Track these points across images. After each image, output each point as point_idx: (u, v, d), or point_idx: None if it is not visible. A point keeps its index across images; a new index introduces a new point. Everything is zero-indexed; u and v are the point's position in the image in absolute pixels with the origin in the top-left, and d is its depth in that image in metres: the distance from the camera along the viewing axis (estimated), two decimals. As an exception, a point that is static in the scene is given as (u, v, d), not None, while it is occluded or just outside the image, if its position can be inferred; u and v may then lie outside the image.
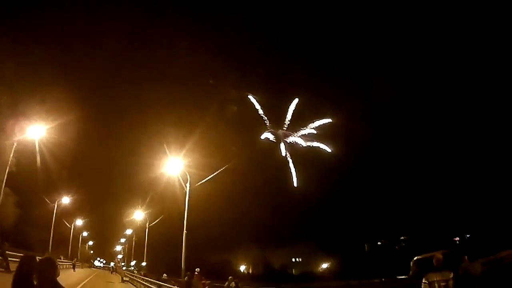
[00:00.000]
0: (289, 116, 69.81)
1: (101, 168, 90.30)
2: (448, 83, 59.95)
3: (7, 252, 25.14)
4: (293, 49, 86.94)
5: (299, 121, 70.70)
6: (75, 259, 58.82)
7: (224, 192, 59.08)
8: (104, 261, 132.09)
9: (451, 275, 8.85)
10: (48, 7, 64.85)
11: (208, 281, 24.42)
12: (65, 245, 66.65)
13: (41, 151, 38.57)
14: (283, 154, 71.11)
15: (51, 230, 51.53)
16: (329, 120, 69.44)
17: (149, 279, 35.56)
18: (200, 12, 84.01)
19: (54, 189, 55.20)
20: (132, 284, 43.96)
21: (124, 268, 78.52)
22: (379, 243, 70.98)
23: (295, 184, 70.58)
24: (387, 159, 65.12)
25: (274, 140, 70.89)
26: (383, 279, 30.03)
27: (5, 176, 27.78)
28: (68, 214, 64.24)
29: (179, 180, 30.96)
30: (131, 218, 69.08)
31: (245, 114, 70.13)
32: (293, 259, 76.66)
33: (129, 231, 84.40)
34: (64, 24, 70.42)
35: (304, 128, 70.42)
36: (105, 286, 35.70)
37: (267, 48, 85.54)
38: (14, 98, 41.47)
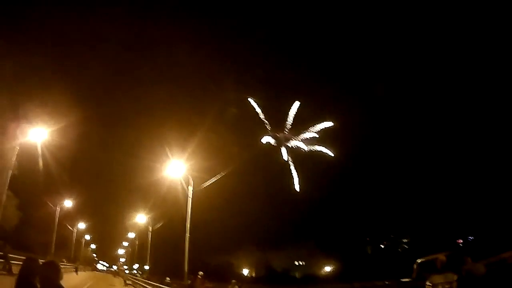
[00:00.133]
0: (290, 119, 69.81)
1: (103, 171, 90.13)
2: (450, 85, 59.87)
3: (9, 254, 25.15)
4: (294, 51, 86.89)
5: (301, 124, 70.70)
6: (78, 262, 58.88)
7: (225, 195, 59.05)
8: (107, 265, 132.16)
9: (455, 277, 8.83)
10: (49, 9, 64.81)
11: (211, 285, 24.34)
12: (68, 248, 66.68)
13: (43, 154, 38.51)
14: (285, 158, 71.10)
15: (53, 233, 51.53)
16: (331, 123, 69.46)
17: (152, 283, 35.57)
18: (202, 14, 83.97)
19: (56, 192, 55.19)
20: (134, 287, 44.01)
21: (126, 271, 78.54)
22: (381, 245, 70.85)
23: (297, 189, 70.57)
24: (389, 161, 65.03)
25: (275, 144, 70.90)
26: (386, 282, 29.94)
27: (8, 179, 27.79)
28: (70, 217, 64.27)
29: (181, 183, 30.96)
30: (134, 221, 69.11)
31: (246, 117, 70.18)
32: (296, 262, 76.52)
33: (131, 235, 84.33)
34: (65, 26, 70.25)
35: (306, 131, 70.42)
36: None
37: (268, 51, 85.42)
38: (15, 100, 41.46)
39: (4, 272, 23.30)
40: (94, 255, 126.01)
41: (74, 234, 70.22)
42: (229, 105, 69.31)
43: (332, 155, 69.63)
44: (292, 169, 71.12)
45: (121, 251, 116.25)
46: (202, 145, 42.44)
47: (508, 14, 48.08)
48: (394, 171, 62.82)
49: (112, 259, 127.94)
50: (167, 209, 55.80)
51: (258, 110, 69.49)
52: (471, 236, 51.92)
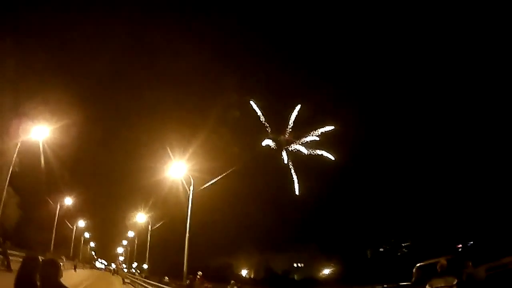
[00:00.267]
0: (291, 122, 69.79)
1: (104, 170, 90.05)
2: (450, 90, 59.84)
3: (8, 251, 25.18)
4: (296, 54, 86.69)
5: (302, 127, 70.68)
6: (77, 259, 58.89)
7: (226, 196, 59.08)
8: (106, 263, 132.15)
9: (455, 281, 8.82)
10: (51, 8, 64.73)
11: (210, 285, 24.34)
12: (67, 246, 66.71)
13: (44, 152, 38.61)
14: (285, 161, 71.09)
15: (53, 231, 51.58)
16: (332, 127, 69.42)
17: (151, 282, 35.57)
18: (204, 15, 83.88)
19: (57, 190, 55.30)
20: (133, 286, 44.00)
21: (125, 270, 78.59)
22: (381, 249, 70.76)
23: (296, 192, 70.57)
24: (390, 165, 64.94)
25: (275, 147, 70.89)
26: (385, 285, 29.87)
27: (8, 177, 27.85)
28: (70, 215, 64.38)
29: (182, 183, 31.01)
30: (134, 220, 69.19)
31: (247, 118, 70.19)
32: (295, 265, 76.46)
33: (131, 233, 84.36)
34: (68, 25, 70.49)
35: (307, 135, 70.40)
36: (107, 288, 35.64)
37: (270, 54, 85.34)
38: (18, 98, 41.54)
39: (2, 268, 23.33)
40: (93, 253, 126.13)
41: (74, 232, 70.29)
42: (231, 107, 69.38)
43: (333, 158, 69.57)
44: (292, 173, 71.08)
45: (120, 250, 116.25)
46: (203, 146, 42.53)
47: (507, 13, 47.99)
48: (395, 175, 62.74)
49: (111, 258, 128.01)
50: (168, 209, 55.89)
51: (259, 112, 69.51)
52: (471, 241, 51.81)
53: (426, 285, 9.26)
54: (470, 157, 56.02)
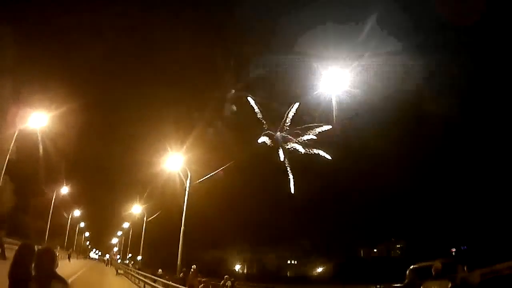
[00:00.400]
0: (288, 120, 69.59)
1: (101, 160, 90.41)
2: (450, 91, 59.69)
3: (3, 238, 25.10)
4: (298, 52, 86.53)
5: (299, 126, 70.45)
6: (71, 249, 58.85)
7: (221, 190, 59.04)
8: (100, 253, 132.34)
9: (449, 285, 8.82)
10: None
11: (205, 279, 24.30)
12: (62, 235, 66.66)
13: (42, 140, 38.60)
14: (281, 158, 70.96)
15: (48, 220, 51.51)
16: (329, 126, 69.21)
17: (144, 274, 35.56)
18: (203, 7, 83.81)
19: (53, 178, 55.25)
20: (126, 277, 43.99)
21: (119, 261, 78.62)
22: (374, 250, 70.94)
23: (292, 191, 70.48)
24: (386, 166, 64.88)
25: (271, 145, 70.72)
26: (378, 286, 29.94)
27: (5, 164, 27.78)
28: (66, 204, 64.36)
29: (179, 176, 31.00)
30: (129, 212, 69.18)
31: (245, 114, 70.01)
32: (288, 261, 76.62)
33: (126, 225, 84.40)
34: (68, 14, 70.09)
35: (304, 133, 70.22)
36: (99, 279, 35.57)
37: (270, 49, 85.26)
38: (17, 86, 41.42)
39: (-4, 255, 23.26)
40: (88, 243, 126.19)
41: (69, 221, 70.25)
42: (229, 101, 69.24)
43: (330, 158, 69.44)
44: (288, 170, 70.98)
45: (114, 241, 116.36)
46: (201, 140, 42.50)
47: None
48: (391, 176, 62.66)
49: (105, 248, 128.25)
50: (163, 202, 55.88)
51: (256, 109, 69.31)
52: (465, 246, 52.00)
53: (420, 287, 9.26)
54: (468, 162, 56.05)
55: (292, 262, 76.57)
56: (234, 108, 69.60)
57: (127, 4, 77.98)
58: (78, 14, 68.85)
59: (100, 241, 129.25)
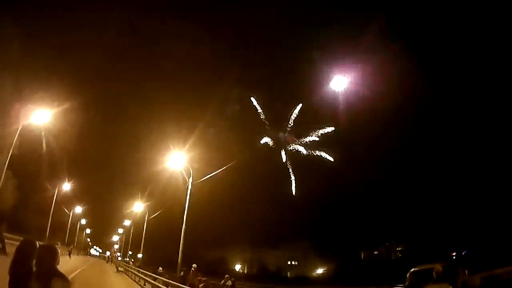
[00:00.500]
0: (291, 121, 69.60)
1: (104, 157, 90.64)
2: (449, 91, 59.59)
3: (4, 233, 25.08)
4: (299, 51, 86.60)
5: (302, 127, 70.46)
6: (72, 246, 58.91)
7: (222, 190, 59.11)
8: (100, 250, 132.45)
9: (450, 288, 8.83)
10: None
11: (205, 278, 24.29)
12: (63, 231, 66.73)
13: (44, 137, 38.70)
14: (284, 159, 70.99)
15: (49, 216, 51.57)
16: (332, 128, 69.19)
17: (144, 271, 35.59)
18: (207, 6, 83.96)
19: (55, 175, 55.34)
20: (126, 275, 44.04)
21: (119, 258, 78.67)
22: (375, 252, 70.83)
23: (293, 192, 70.52)
24: (387, 170, 64.75)
25: (273, 146, 70.76)
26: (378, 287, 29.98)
27: (8, 160, 27.83)
28: (67, 201, 64.42)
29: (182, 174, 31.03)
30: (131, 210, 69.24)
31: (249, 114, 70.10)
32: (289, 262, 76.57)
33: (127, 222, 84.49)
34: (69, 11, 70.41)
35: (306, 135, 70.20)
36: (100, 276, 35.59)
37: (272, 49, 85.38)
38: (20, 82, 41.51)
39: (-4, 249, 23.23)
40: (88, 240, 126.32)
41: (70, 218, 70.33)
42: (232, 101, 69.33)
43: (332, 160, 69.41)
44: (290, 172, 71.01)
45: (115, 238, 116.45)
46: (204, 139, 42.61)
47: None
48: (392, 179, 62.58)
49: (106, 245, 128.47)
50: (165, 200, 55.99)
51: (259, 110, 69.34)
52: (465, 250, 51.86)
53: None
54: (471, 167, 55.92)
55: (293, 262, 76.51)
56: (237, 107, 69.75)
57: (130, 2, 78.13)
58: (81, 11, 69.10)
59: (101, 238, 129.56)
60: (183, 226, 28.88)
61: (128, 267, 48.98)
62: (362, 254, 72.14)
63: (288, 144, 70.65)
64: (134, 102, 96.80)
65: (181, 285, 21.85)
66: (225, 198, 64.76)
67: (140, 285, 32.36)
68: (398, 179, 60.67)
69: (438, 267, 9.51)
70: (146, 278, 31.04)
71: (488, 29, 52.37)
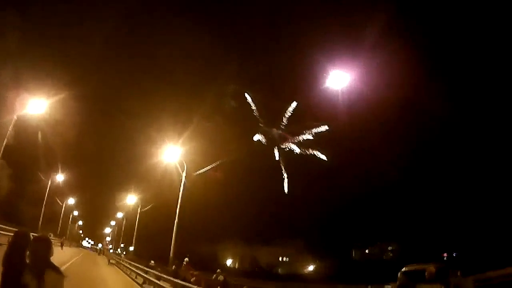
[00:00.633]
0: (285, 119, 69.42)
1: (98, 149, 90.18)
2: (449, 92, 59.66)
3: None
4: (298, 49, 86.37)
5: (296, 125, 70.30)
6: (64, 237, 58.84)
7: (215, 185, 59.15)
8: (92, 242, 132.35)
9: (442, 289, 8.86)
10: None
11: (197, 272, 24.35)
12: (55, 222, 66.68)
13: (41, 127, 38.59)
14: (277, 157, 70.92)
15: (42, 206, 51.48)
16: (326, 127, 69.02)
17: (136, 264, 35.57)
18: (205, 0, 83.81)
19: (49, 165, 55.19)
20: (118, 268, 44.04)
21: (111, 251, 78.68)
22: (366, 251, 71.04)
23: (285, 190, 70.49)
24: (380, 169, 64.83)
25: (265, 143, 70.63)
26: (369, 286, 30.05)
27: (2, 149, 27.73)
28: (61, 192, 64.36)
29: (176, 168, 31.05)
30: (124, 202, 69.23)
31: (244, 108, 69.94)
32: (280, 259, 76.71)
33: (120, 215, 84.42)
34: (67, 3, 70.15)
35: (300, 134, 70.05)
36: (92, 269, 35.58)
37: (269, 46, 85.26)
38: (17, 71, 41.31)
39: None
40: (81, 231, 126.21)
41: (63, 209, 70.27)
42: (228, 96, 69.24)
43: (325, 159, 69.35)
44: (282, 170, 70.95)
45: (107, 230, 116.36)
46: (198, 134, 42.46)
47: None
48: (385, 178, 62.68)
49: (98, 238, 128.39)
50: (158, 193, 55.95)
51: (253, 106, 69.16)
52: (456, 252, 52.11)
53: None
54: (466, 167, 56.09)
55: (285, 259, 76.64)
56: (233, 103, 69.65)
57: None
58: (80, 2, 68.76)
59: (93, 230, 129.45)
60: (176, 220, 28.91)
61: (120, 260, 48.98)
62: (354, 252, 72.37)
63: (282, 142, 70.54)
64: (130, 94, 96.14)
65: (173, 278, 21.88)
66: (219, 193, 64.76)
67: (131, 278, 32.37)
68: (392, 179, 60.73)
69: (431, 268, 9.55)
70: (138, 271, 31.04)
71: (497, 28, 52.28)
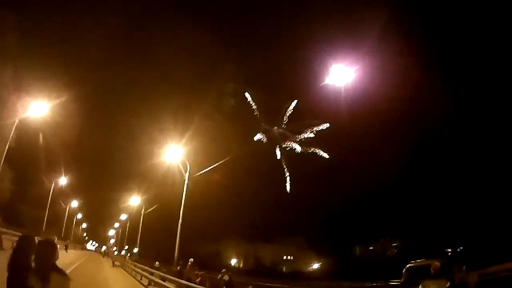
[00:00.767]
0: (286, 117, 69.30)
1: (100, 151, 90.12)
2: (449, 91, 59.56)
3: (0, 228, 25.05)
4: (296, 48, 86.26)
5: (298, 123, 70.17)
6: (68, 240, 58.86)
7: (218, 184, 59.09)
8: (97, 245, 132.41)
9: (448, 284, 8.84)
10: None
11: (202, 272, 24.36)
12: (59, 225, 66.69)
13: (42, 129, 38.63)
14: (278, 156, 70.88)
15: (46, 209, 51.52)
16: (327, 124, 68.89)
17: (141, 266, 35.60)
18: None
19: (52, 168, 55.22)
20: (123, 269, 44.08)
21: (116, 253, 78.73)
22: (370, 247, 71.01)
23: (287, 188, 70.44)
24: (383, 165, 64.73)
25: (265, 142, 70.55)
26: (374, 284, 29.98)
27: (5, 152, 27.77)
28: (64, 194, 64.38)
29: (179, 168, 31.04)
30: (127, 203, 69.20)
31: (246, 107, 69.88)
32: (284, 257, 76.73)
33: (124, 216, 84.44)
34: (68, 2, 70.20)
35: (302, 132, 69.93)
36: (97, 271, 35.62)
37: (270, 43, 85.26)
38: (18, 74, 41.33)
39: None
40: (85, 234, 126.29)
41: (67, 212, 70.30)
42: (229, 95, 69.23)
43: (327, 156, 69.25)
44: (284, 168, 70.90)
45: (111, 232, 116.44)
46: (200, 134, 42.44)
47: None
48: (387, 174, 62.53)
49: (102, 240, 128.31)
50: (161, 194, 55.93)
51: (254, 105, 69.09)
52: (460, 247, 52.02)
53: (419, 286, 9.28)
54: (467, 162, 56.03)
55: (288, 257, 76.67)
56: (233, 101, 69.63)
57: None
58: (80, 3, 68.76)
59: (97, 232, 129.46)
60: (180, 220, 28.92)
61: (125, 261, 49.01)
62: (357, 249, 72.33)
63: (284, 140, 70.45)
64: (131, 95, 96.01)
65: (178, 279, 21.89)
66: (221, 192, 64.77)
67: (137, 279, 32.38)
68: (394, 175, 60.63)
69: (436, 263, 9.53)
70: (143, 273, 31.07)
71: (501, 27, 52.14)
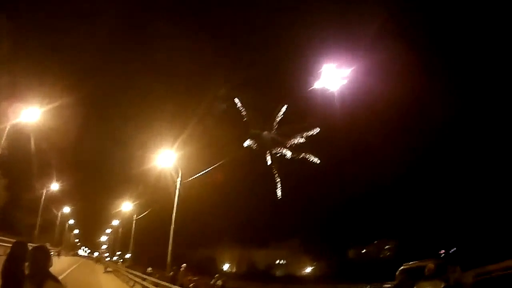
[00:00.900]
0: (276, 122, 69.37)
1: (92, 157, 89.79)
2: (448, 92, 59.75)
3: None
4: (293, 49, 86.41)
5: (289, 127, 70.22)
6: (61, 246, 58.56)
7: (211, 189, 59.02)
8: (89, 251, 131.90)
9: (443, 285, 8.86)
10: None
11: (195, 277, 24.31)
12: (51, 231, 66.33)
13: (34, 135, 38.45)
14: (269, 162, 70.98)
15: (37, 216, 51.22)
16: (317, 129, 68.97)
17: (134, 272, 35.43)
18: (200, 3, 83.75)
19: (44, 174, 54.92)
20: (115, 275, 43.90)
21: (108, 259, 78.44)
22: (363, 250, 71.05)
23: (278, 195, 70.59)
24: (374, 168, 64.86)
25: (255, 148, 70.66)
26: (368, 286, 30.03)
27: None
28: (56, 200, 64.01)
29: (170, 174, 30.96)
30: (119, 209, 68.95)
31: (237, 113, 69.91)
32: (278, 261, 76.61)
33: (116, 222, 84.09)
34: (61, 6, 69.86)
35: (293, 137, 70.01)
36: (90, 277, 35.45)
37: (262, 47, 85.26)
38: (10, 80, 41.09)
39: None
40: (77, 240, 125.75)
41: (59, 218, 69.93)
42: (222, 100, 69.21)
43: (318, 161, 69.38)
44: (275, 175, 71.02)
45: (103, 238, 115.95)
46: (193, 139, 42.37)
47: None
48: (379, 177, 62.64)
49: (94, 246, 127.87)
50: (154, 199, 55.80)
51: (243, 112, 69.12)
52: (454, 248, 52.16)
53: (413, 287, 9.29)
54: (459, 160, 56.22)
55: (282, 261, 76.56)
56: (225, 106, 69.63)
57: (123, 4, 77.62)
58: (73, 7, 68.59)
59: (89, 238, 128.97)
60: (172, 225, 28.83)
61: (117, 267, 48.82)
62: (350, 252, 72.33)
63: (274, 146, 70.55)
64: (124, 100, 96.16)
65: (171, 285, 21.80)
66: (214, 197, 64.66)
67: (129, 286, 32.24)
68: (387, 178, 60.75)
69: (430, 264, 9.56)
70: (135, 279, 30.93)
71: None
